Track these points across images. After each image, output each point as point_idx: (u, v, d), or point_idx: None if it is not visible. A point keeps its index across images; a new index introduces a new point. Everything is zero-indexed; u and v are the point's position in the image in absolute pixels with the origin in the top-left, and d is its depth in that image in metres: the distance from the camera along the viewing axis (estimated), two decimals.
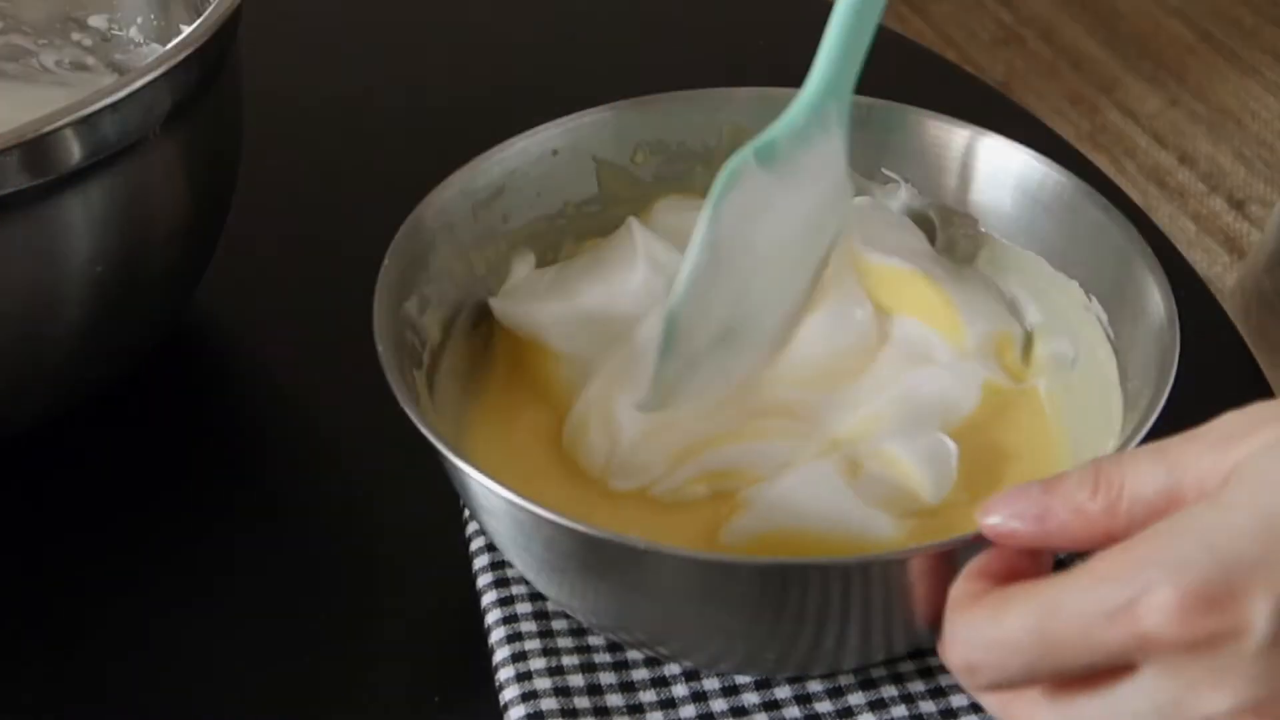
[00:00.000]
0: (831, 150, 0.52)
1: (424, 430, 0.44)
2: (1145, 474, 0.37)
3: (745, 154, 0.50)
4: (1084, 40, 2.06)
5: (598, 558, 0.44)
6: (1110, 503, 0.37)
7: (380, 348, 0.47)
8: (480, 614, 0.50)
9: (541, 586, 0.48)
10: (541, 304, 0.54)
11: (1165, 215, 1.76)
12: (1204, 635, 0.34)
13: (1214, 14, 2.09)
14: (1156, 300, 0.48)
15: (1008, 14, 2.11)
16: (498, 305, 0.54)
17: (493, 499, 0.44)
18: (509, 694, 0.47)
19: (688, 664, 0.49)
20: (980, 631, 0.37)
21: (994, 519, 0.38)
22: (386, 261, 0.49)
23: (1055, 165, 0.53)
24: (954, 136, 0.55)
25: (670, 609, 0.45)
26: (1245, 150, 1.85)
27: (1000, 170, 0.54)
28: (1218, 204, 1.78)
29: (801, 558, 0.45)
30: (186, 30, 0.51)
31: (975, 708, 0.47)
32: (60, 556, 0.54)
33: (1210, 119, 1.91)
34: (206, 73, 0.53)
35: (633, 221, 0.55)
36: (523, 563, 0.47)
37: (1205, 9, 2.10)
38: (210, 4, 0.52)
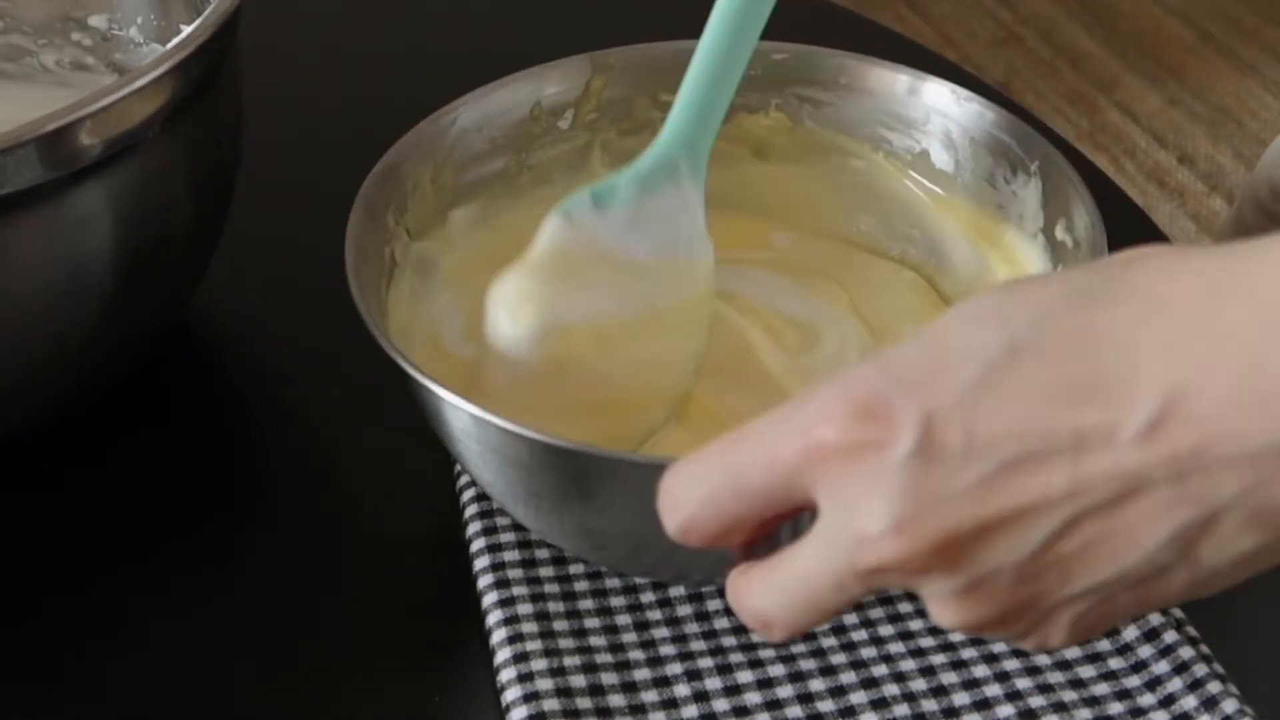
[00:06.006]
0: (681, 204, 0.53)
1: (391, 354, 0.45)
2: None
3: (582, 195, 0.51)
4: (1084, 40, 2.06)
5: (570, 467, 0.44)
6: None
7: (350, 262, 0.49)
8: (482, 614, 0.50)
9: (509, 502, 0.49)
10: None
11: (1165, 215, 1.76)
12: (858, 442, 0.34)
13: (1214, 14, 2.09)
14: (1084, 216, 0.51)
15: (1008, 14, 2.11)
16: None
17: (461, 417, 0.44)
18: (511, 694, 0.47)
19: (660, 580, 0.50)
20: (680, 469, 0.38)
21: None
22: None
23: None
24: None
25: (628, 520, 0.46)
26: (1245, 150, 1.85)
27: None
28: (1218, 204, 1.78)
29: None
30: (186, 30, 0.51)
31: (977, 706, 0.47)
32: (59, 553, 0.54)
33: (1210, 119, 1.91)
34: (206, 73, 0.53)
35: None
36: (481, 472, 0.48)
37: (1205, 9, 2.10)
38: (210, 4, 0.52)
